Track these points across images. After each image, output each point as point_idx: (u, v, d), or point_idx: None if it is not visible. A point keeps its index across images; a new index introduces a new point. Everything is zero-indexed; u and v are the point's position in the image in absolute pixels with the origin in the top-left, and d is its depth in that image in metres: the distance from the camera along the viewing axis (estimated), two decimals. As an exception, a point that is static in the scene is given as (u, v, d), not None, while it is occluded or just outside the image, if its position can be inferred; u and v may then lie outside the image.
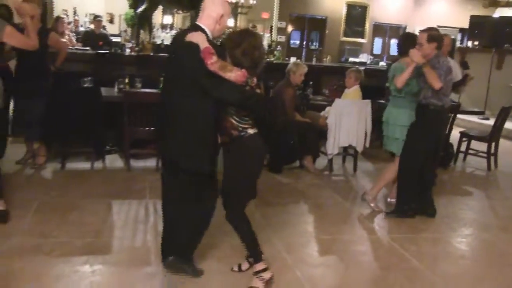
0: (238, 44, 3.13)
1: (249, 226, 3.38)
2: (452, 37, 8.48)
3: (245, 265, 3.57)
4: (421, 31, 4.60)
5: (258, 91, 3.24)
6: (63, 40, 7.24)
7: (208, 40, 3.13)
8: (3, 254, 3.59)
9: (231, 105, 3.16)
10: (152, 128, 5.66)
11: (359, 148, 6.39)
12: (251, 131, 3.25)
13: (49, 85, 5.49)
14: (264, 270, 3.37)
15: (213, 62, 2.99)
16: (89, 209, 4.56)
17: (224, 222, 3.70)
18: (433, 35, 4.50)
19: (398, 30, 15.45)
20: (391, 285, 3.59)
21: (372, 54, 14.80)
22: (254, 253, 3.40)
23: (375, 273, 3.80)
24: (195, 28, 3.21)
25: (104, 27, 10.56)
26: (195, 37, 3.06)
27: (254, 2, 13.12)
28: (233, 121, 3.19)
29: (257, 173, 3.40)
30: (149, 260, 3.68)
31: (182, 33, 3.32)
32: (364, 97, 6.38)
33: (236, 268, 3.57)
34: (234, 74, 3.03)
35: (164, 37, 9.21)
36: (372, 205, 4.99)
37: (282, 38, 14.17)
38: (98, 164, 5.96)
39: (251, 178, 3.36)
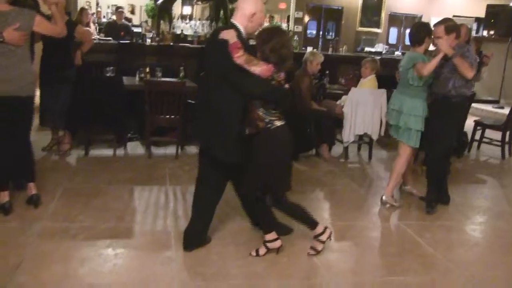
0: (268, 41, 3.28)
1: (295, 208, 3.70)
2: (469, 26, 8.45)
3: (262, 250, 3.67)
4: (436, 25, 4.54)
5: (286, 86, 3.39)
6: (87, 28, 7.41)
7: (240, 37, 3.27)
8: (32, 237, 3.73)
9: (256, 97, 3.30)
10: (172, 116, 5.81)
11: (374, 136, 6.45)
12: (278, 123, 3.40)
13: (74, 75, 5.61)
14: (321, 233, 3.71)
15: (239, 55, 3.14)
16: (112, 194, 4.69)
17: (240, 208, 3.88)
18: (450, 26, 4.45)
19: (413, 20, 15.32)
20: (405, 271, 3.64)
21: (387, 44, 14.74)
22: (309, 224, 3.73)
23: (389, 259, 3.85)
24: (229, 25, 3.40)
25: (130, 20, 10.69)
26: (226, 34, 3.22)
27: (272, -7, 13.12)
28: (260, 113, 3.34)
29: (285, 164, 3.58)
30: (169, 244, 3.79)
31: (217, 31, 3.48)
32: (380, 86, 6.43)
33: (254, 253, 3.67)
34: (260, 68, 3.19)
35: (184, 28, 9.27)
36: (394, 203, 4.89)
37: (299, 28, 14.18)
38: (120, 151, 6.11)
39: (279, 169, 3.51)
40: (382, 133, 6.49)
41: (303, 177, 5.71)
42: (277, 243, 3.68)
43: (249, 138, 3.44)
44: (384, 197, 4.93)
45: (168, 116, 5.83)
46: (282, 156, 3.51)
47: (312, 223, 3.71)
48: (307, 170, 6.03)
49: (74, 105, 5.60)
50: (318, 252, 3.74)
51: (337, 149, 6.75)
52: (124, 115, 5.98)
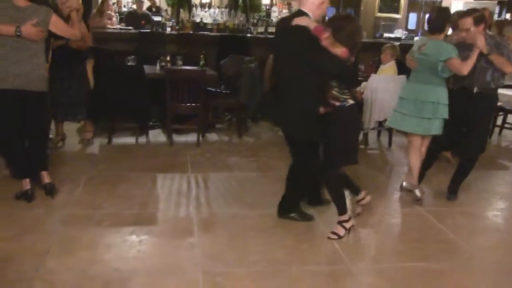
0: (343, 27, 3.55)
1: (341, 188, 3.90)
2: (491, 10, 8.31)
3: (341, 231, 3.87)
4: (462, 16, 4.39)
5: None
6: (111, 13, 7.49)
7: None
8: (59, 224, 3.82)
9: (337, 76, 3.59)
10: (193, 104, 5.85)
11: (394, 123, 6.43)
12: (350, 101, 3.71)
13: (85, 70, 5.62)
14: (347, 221, 3.86)
15: (326, 37, 3.43)
16: (135, 182, 4.76)
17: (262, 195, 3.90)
18: (478, 16, 4.30)
19: (433, 4, 15.09)
20: (427, 257, 3.64)
21: (407, 29, 14.55)
22: (342, 207, 3.86)
23: (410, 245, 3.85)
24: (300, 13, 3.67)
25: (160, 9, 10.76)
26: (301, 21, 3.52)
27: (290, -21, 12.99)
28: (335, 93, 3.65)
29: (356, 138, 4.03)
30: (191, 230, 3.84)
31: (287, 19, 3.80)
32: (399, 72, 6.39)
33: (335, 236, 3.85)
34: (341, 50, 3.46)
35: (203, 16, 9.31)
36: (419, 193, 4.70)
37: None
38: (142, 139, 6.19)
39: (351, 143, 3.86)
40: (402, 120, 6.46)
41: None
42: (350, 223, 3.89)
43: (322, 117, 3.71)
44: (412, 188, 4.76)
45: (189, 104, 5.89)
46: (356, 130, 4.00)
47: (344, 208, 3.84)
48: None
49: (96, 94, 5.66)
50: (339, 237, 3.80)
51: (357, 136, 6.74)
52: (146, 103, 6.03)
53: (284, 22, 3.92)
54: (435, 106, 4.42)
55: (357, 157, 3.91)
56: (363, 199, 4.19)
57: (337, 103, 3.66)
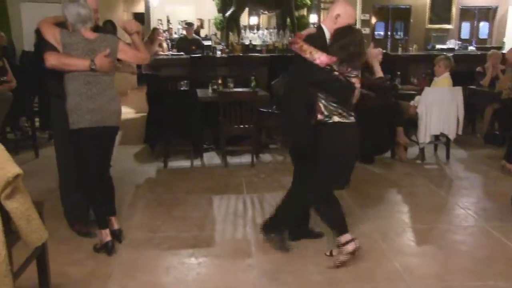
0: (339, 39, 3.40)
1: (332, 206, 3.58)
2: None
3: (342, 256, 3.57)
4: None
5: (355, 81, 3.42)
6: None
7: (320, 37, 3.52)
8: (120, 248, 3.89)
9: (315, 84, 3.43)
10: (246, 126, 5.92)
11: (451, 136, 6.28)
12: (336, 118, 3.41)
13: None
14: (349, 241, 3.53)
15: (294, 43, 3.41)
16: (192, 204, 4.83)
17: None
18: None
19: (487, 12, 14.78)
20: (495, 275, 3.49)
21: (459, 39, 14.26)
22: (337, 229, 3.57)
23: (476, 262, 3.70)
24: (316, 27, 3.70)
25: (198, 32, 10.97)
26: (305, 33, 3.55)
27: (337, -4, 13.03)
28: (321, 105, 3.43)
29: (339, 161, 3.49)
30: (249, 251, 3.84)
31: None
32: (455, 83, 6.26)
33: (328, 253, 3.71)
34: (317, 56, 3.33)
35: (252, 38, 9.43)
36: None
37: (367, 30, 14.01)
38: (197, 162, 6.28)
39: (334, 164, 3.47)
40: (460, 132, 6.32)
41: (379, 180, 5.66)
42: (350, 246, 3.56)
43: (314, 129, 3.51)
44: None
45: (242, 126, 5.97)
46: (336, 152, 3.46)
47: (342, 228, 3.57)
48: (383, 172, 5.94)
49: (152, 119, 5.79)
50: (342, 264, 3.56)
51: (414, 151, 6.61)
52: (200, 126, 6.13)
53: None
54: None
55: (346, 181, 3.58)
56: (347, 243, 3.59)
57: (320, 117, 3.42)
